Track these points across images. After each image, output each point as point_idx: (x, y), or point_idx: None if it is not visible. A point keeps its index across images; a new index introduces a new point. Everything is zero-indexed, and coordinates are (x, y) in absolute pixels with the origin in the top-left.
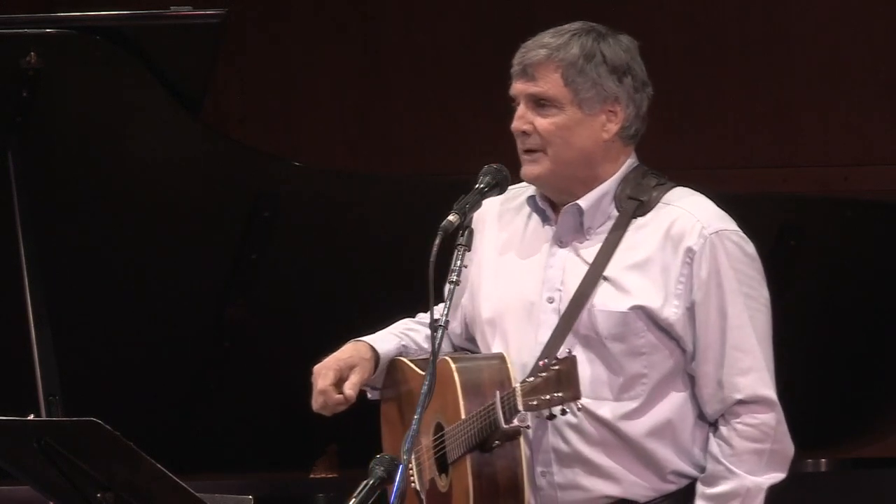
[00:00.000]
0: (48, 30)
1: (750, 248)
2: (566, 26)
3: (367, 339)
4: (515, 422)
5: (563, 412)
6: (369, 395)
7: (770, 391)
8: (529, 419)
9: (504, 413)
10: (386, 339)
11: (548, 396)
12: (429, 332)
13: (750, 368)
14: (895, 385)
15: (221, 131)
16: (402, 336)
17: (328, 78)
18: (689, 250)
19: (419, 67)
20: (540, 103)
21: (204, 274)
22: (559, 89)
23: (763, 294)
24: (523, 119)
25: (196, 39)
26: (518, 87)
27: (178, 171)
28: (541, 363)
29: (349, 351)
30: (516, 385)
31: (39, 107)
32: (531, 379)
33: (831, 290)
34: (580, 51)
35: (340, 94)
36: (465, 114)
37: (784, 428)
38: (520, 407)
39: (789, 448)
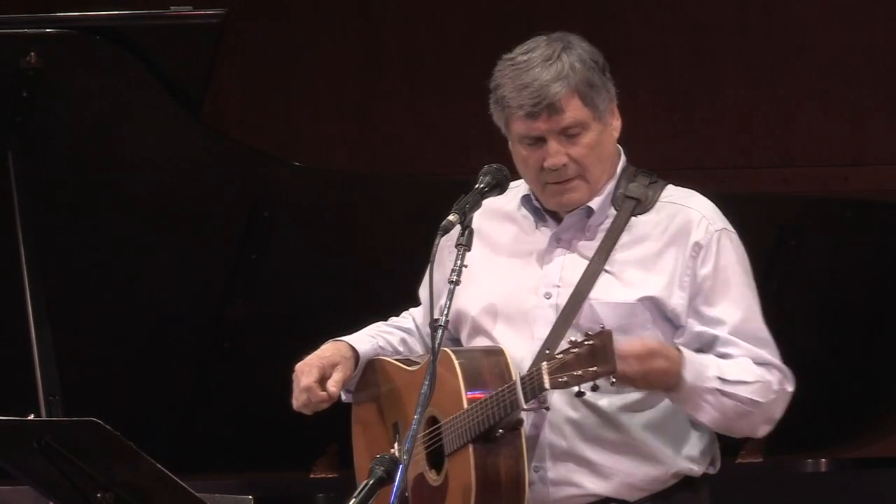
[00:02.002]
0: (48, 30)
1: (742, 246)
2: (536, 48)
3: (346, 338)
4: (536, 402)
5: (595, 388)
6: (343, 398)
7: (786, 370)
8: (548, 401)
9: (526, 393)
10: (363, 340)
11: (580, 372)
12: (404, 335)
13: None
14: (895, 385)
15: (221, 131)
16: (377, 337)
17: (328, 77)
18: (697, 245)
19: (419, 67)
20: (567, 132)
21: (204, 274)
22: (582, 112)
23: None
24: (561, 153)
25: (196, 39)
26: (543, 126)
27: (178, 171)
28: (569, 341)
29: (330, 350)
30: (542, 364)
31: (39, 107)
32: (560, 356)
33: (831, 290)
34: (581, 66)
35: (340, 94)
36: (465, 113)
37: (787, 397)
38: (546, 385)
39: (780, 412)
